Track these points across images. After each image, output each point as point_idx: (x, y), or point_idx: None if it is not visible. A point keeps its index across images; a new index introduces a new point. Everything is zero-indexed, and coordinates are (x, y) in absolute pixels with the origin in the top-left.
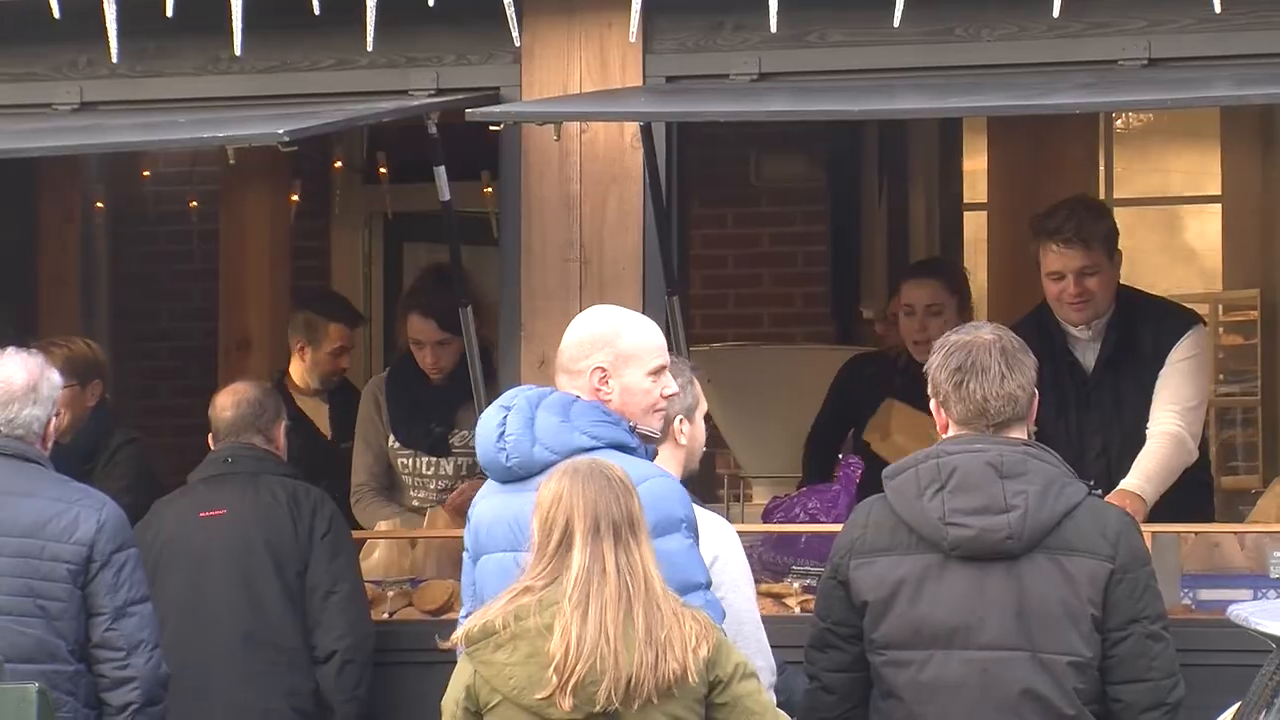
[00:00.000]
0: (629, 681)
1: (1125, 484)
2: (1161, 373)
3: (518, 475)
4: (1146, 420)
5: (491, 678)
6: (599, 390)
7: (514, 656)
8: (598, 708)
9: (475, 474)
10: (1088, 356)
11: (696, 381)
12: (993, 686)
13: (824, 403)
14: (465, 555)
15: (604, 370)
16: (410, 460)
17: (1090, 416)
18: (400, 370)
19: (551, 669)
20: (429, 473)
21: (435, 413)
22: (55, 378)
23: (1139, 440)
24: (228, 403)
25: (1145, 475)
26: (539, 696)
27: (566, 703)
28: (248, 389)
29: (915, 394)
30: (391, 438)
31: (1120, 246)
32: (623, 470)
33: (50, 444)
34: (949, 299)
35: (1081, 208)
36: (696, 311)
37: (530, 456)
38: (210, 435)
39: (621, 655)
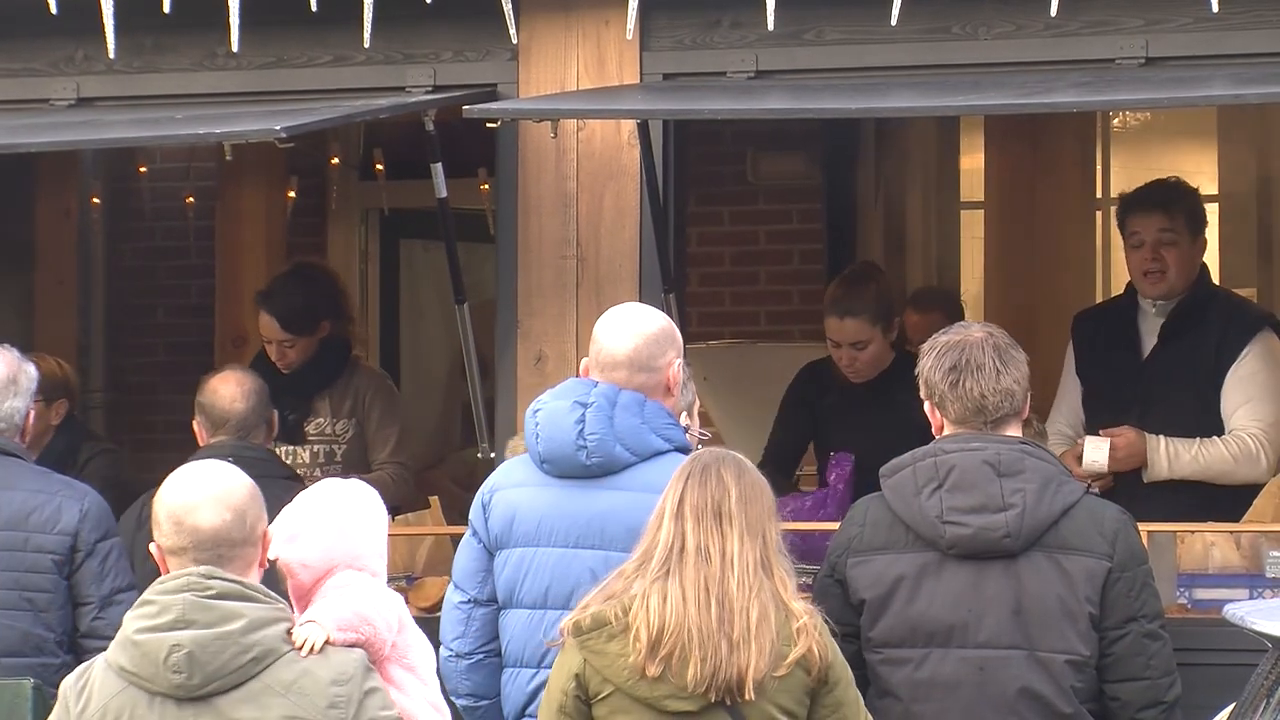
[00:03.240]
0: (715, 668)
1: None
2: (1235, 376)
3: (592, 473)
4: (1192, 405)
5: (604, 668)
6: (674, 384)
7: (628, 647)
8: (688, 690)
9: (332, 461)
10: (1150, 335)
11: (692, 378)
12: (990, 685)
13: (779, 414)
14: (471, 540)
15: (680, 362)
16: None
17: (1140, 389)
18: (258, 362)
19: (632, 637)
20: (287, 461)
21: (287, 401)
22: (32, 370)
23: (1179, 423)
24: (237, 394)
25: (1182, 444)
26: (632, 662)
27: (653, 669)
28: (249, 378)
29: (849, 405)
30: None
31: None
32: (745, 468)
33: (29, 438)
34: (873, 331)
35: (1167, 180)
36: (693, 309)
37: (612, 456)
38: (202, 425)
39: (708, 638)
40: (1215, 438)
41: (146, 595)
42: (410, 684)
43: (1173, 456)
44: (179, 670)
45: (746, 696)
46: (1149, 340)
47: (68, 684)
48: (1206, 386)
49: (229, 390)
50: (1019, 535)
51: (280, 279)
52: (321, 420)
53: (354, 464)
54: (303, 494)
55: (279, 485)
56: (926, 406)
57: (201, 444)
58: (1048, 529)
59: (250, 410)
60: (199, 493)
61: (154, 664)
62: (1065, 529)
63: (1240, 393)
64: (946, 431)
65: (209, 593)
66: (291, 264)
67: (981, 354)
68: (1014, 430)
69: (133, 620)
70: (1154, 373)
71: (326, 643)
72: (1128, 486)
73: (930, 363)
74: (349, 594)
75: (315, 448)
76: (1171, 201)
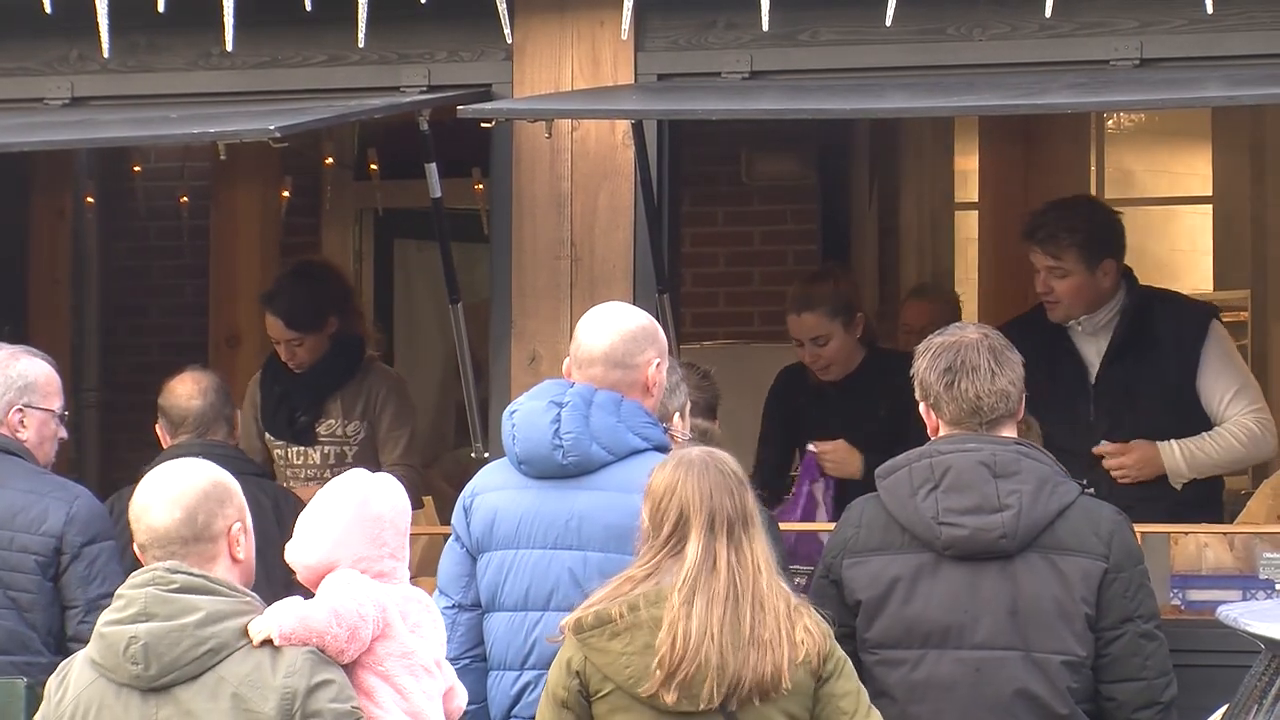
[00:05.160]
0: (732, 680)
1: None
2: (1209, 373)
3: (569, 473)
4: (1162, 412)
5: (605, 665)
6: (653, 384)
7: (631, 646)
8: (701, 705)
9: (343, 463)
10: (1090, 350)
11: (685, 380)
12: (985, 686)
13: (762, 430)
14: (454, 545)
15: (659, 363)
16: (283, 450)
17: (1099, 406)
18: (271, 362)
19: (655, 663)
20: (299, 462)
21: (300, 402)
22: (22, 369)
23: (1154, 431)
24: (193, 391)
25: (1194, 443)
26: (642, 690)
27: (670, 697)
28: (208, 376)
29: (821, 407)
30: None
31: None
32: (735, 463)
33: (25, 434)
34: (831, 325)
35: (1060, 212)
36: (687, 310)
37: (589, 455)
38: (164, 427)
39: (727, 653)
40: (1219, 429)
41: (119, 590)
42: (382, 693)
43: (1189, 459)
44: (136, 661)
45: (784, 689)
46: (1090, 353)
47: (52, 679)
48: (1172, 388)
49: (185, 389)
50: (1015, 536)
51: (283, 278)
52: (332, 422)
53: (364, 466)
54: (320, 490)
55: (249, 482)
56: (922, 408)
57: (164, 446)
58: (1044, 530)
59: (208, 407)
60: (154, 493)
61: (116, 655)
62: (1061, 530)
63: (1221, 386)
64: (942, 433)
65: (171, 586)
66: (294, 263)
67: (976, 355)
68: (1009, 431)
69: (105, 614)
70: (1109, 388)
71: (268, 642)
72: (1106, 485)
73: (925, 364)
74: (307, 601)
75: (326, 449)
76: (1056, 238)
